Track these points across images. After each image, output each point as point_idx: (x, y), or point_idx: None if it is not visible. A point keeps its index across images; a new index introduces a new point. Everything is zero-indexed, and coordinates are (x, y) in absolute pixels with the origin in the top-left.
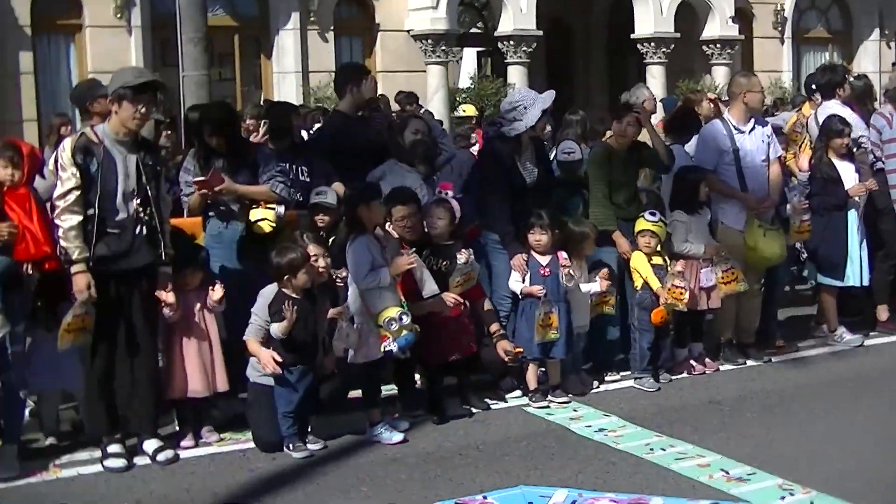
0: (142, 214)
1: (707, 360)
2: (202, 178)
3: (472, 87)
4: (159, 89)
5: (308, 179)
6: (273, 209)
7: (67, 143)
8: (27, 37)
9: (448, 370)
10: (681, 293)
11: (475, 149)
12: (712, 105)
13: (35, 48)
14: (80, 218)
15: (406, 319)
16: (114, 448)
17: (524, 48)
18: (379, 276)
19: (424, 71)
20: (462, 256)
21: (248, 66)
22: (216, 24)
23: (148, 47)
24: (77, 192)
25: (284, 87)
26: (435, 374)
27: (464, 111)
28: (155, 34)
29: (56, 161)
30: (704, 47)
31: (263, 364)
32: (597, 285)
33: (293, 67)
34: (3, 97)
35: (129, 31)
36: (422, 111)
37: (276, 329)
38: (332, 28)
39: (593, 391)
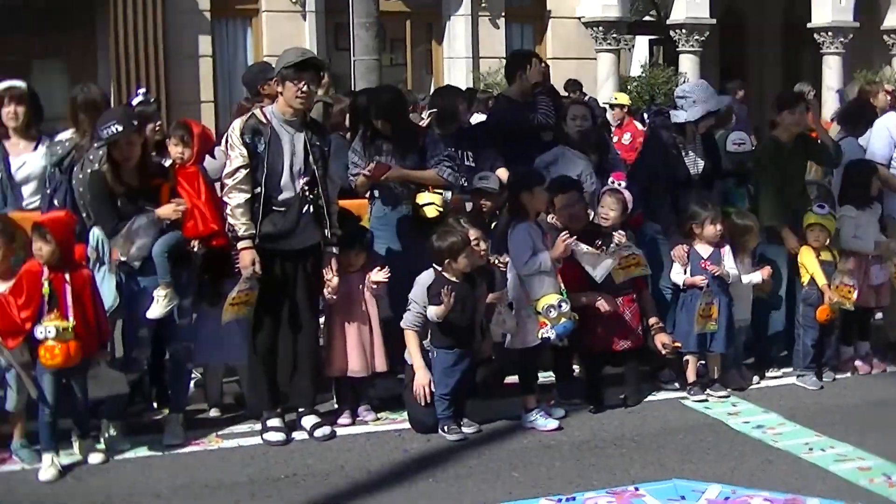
0: (308, 194)
1: (875, 360)
2: (367, 173)
3: (643, 75)
4: (322, 68)
5: (473, 164)
6: (440, 194)
7: (237, 124)
8: (206, 21)
9: (609, 360)
10: (849, 291)
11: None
12: (889, 97)
13: (213, 32)
14: (248, 196)
15: (565, 307)
16: (274, 422)
17: (696, 37)
18: (539, 261)
19: (595, 59)
20: (616, 237)
21: (419, 52)
22: (388, 9)
23: (322, 32)
24: (245, 171)
25: (454, 72)
26: (595, 363)
27: (615, 99)
28: (329, 19)
29: (226, 141)
30: (885, 37)
31: (416, 387)
32: (758, 275)
33: (464, 53)
34: (182, 79)
35: (303, 16)
36: (586, 98)
37: (434, 312)
38: (503, 14)
39: (753, 386)
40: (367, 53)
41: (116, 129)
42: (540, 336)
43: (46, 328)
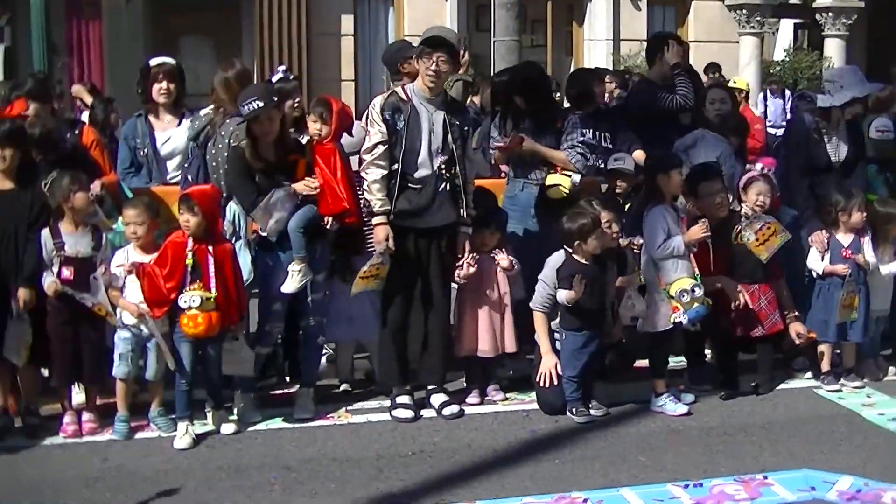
0: (445, 172)
1: None
2: (500, 144)
3: (787, 59)
4: (454, 48)
5: (611, 146)
6: (569, 176)
7: (377, 100)
8: (349, 0)
9: (743, 346)
10: None
11: None
12: None
13: (356, 11)
14: (384, 172)
15: (699, 292)
16: (403, 399)
17: (843, 20)
18: (673, 245)
19: (737, 42)
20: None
21: (559, 34)
22: None
23: (463, 12)
24: (383, 147)
25: (595, 54)
26: (728, 349)
27: (734, 82)
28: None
29: (366, 117)
30: None
31: (542, 370)
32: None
33: (604, 35)
34: (324, 57)
35: None
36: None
37: (564, 297)
38: None
39: (889, 378)
40: (508, 34)
41: (257, 105)
42: (672, 320)
43: (191, 297)
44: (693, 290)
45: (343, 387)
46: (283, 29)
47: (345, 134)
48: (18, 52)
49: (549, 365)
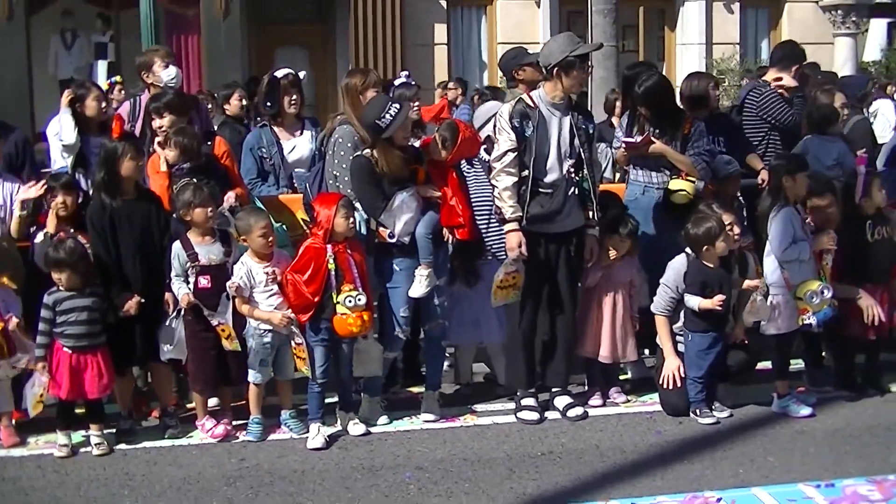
0: (574, 176)
1: None
2: (632, 141)
3: (882, 59)
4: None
5: (724, 150)
6: (692, 182)
7: (506, 108)
8: (442, 10)
9: (861, 347)
10: None
11: None
12: None
13: (449, 20)
14: (515, 179)
15: (827, 294)
16: (528, 401)
17: None
18: (799, 250)
19: (832, 43)
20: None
21: (651, 38)
22: None
23: (555, 20)
24: (513, 154)
25: (687, 58)
26: (848, 351)
27: None
28: (562, 7)
29: (494, 125)
30: None
31: (665, 371)
32: None
33: (697, 39)
34: (418, 66)
35: (537, 4)
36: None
37: (696, 304)
38: None
39: None
40: (605, 40)
41: (396, 110)
42: (801, 322)
43: (347, 298)
44: (822, 292)
45: (464, 390)
46: (377, 39)
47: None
48: (122, 68)
49: (672, 366)
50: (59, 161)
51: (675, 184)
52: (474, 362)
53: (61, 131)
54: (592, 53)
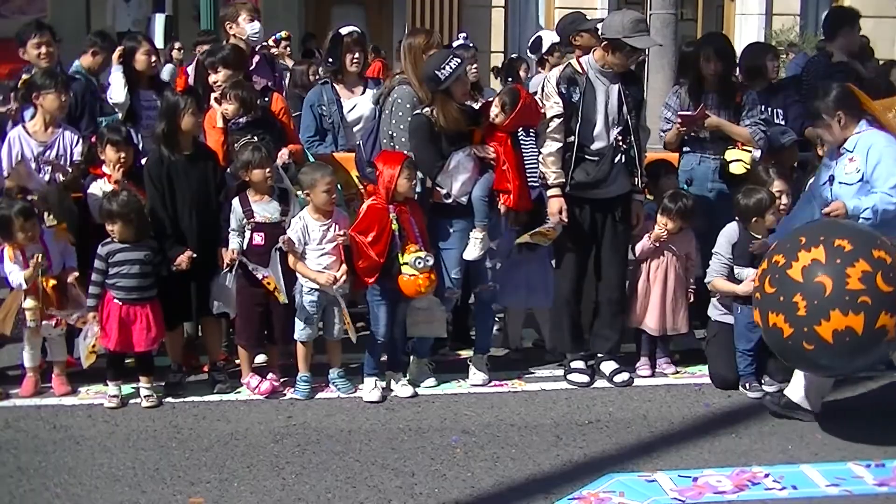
0: (621, 143)
1: None
2: (688, 113)
3: None
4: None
5: (783, 122)
6: (748, 151)
7: (553, 74)
8: None
9: None
10: None
11: None
12: None
13: None
14: (560, 145)
15: None
16: (577, 364)
17: None
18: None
19: (895, 17)
20: None
21: (710, 7)
22: None
23: None
24: (559, 120)
25: (746, 29)
26: None
27: None
28: None
29: (542, 90)
30: None
31: (747, 292)
32: None
33: (757, 10)
34: (474, 28)
35: None
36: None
37: (745, 275)
38: None
39: None
40: (664, 7)
41: (456, 63)
42: None
43: (416, 260)
44: None
45: (512, 355)
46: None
47: None
48: (178, 22)
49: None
50: None
51: (731, 154)
52: (524, 328)
53: (111, 89)
54: (651, 21)
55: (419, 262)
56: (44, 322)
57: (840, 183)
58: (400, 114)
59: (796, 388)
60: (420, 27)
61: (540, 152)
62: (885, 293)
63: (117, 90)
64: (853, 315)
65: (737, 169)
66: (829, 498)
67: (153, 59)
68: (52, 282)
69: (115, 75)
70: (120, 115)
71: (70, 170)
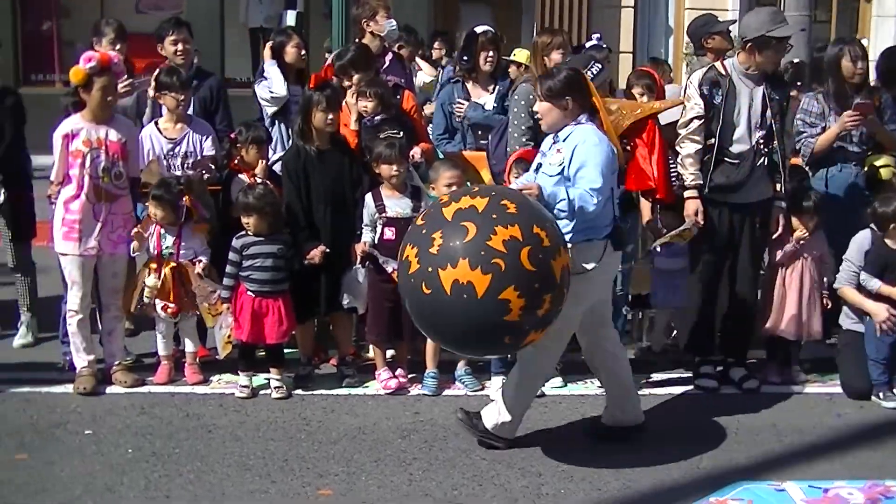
0: (763, 147)
1: None
2: (867, 102)
3: None
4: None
5: None
6: (894, 156)
7: (696, 75)
8: None
9: None
10: None
11: None
12: None
13: None
14: (699, 146)
15: None
16: (706, 369)
17: None
18: None
19: None
20: None
21: (845, 9)
22: None
23: None
24: (699, 122)
25: (882, 32)
26: None
27: None
28: None
29: (684, 91)
30: None
31: (874, 314)
32: None
33: (894, 12)
34: (603, 28)
35: None
36: None
37: (875, 287)
38: None
39: None
40: (798, 9)
41: (598, 69)
42: None
43: None
44: None
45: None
46: None
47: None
48: (310, 19)
49: (882, 315)
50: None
51: (879, 159)
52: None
53: (271, 84)
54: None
55: None
56: (156, 301)
57: (543, 173)
58: (515, 110)
59: None
60: (549, 27)
61: (678, 153)
62: (524, 269)
63: (278, 83)
64: (481, 274)
65: (885, 174)
66: None
67: (303, 52)
68: (172, 264)
69: (271, 69)
70: (271, 110)
71: (213, 166)
